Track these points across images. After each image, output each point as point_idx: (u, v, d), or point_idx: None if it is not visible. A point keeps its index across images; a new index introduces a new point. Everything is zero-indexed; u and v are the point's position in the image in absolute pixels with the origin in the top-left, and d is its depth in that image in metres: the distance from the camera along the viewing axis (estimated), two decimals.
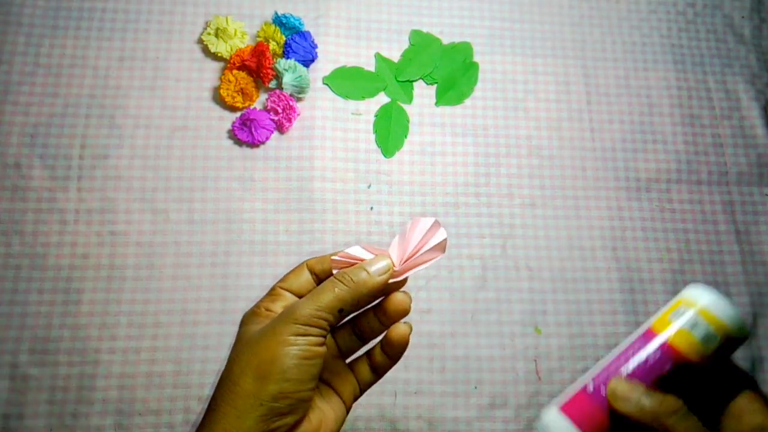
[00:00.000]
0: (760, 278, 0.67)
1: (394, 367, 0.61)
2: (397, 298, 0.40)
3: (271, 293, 0.40)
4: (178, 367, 0.59)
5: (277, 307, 0.39)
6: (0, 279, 0.60)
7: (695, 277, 0.67)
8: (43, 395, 0.57)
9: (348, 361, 0.42)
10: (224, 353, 0.59)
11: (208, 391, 0.58)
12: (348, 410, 0.41)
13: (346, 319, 0.41)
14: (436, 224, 0.39)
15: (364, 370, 0.41)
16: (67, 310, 0.59)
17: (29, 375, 0.57)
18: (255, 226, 0.64)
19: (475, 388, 0.61)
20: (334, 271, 0.38)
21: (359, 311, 0.41)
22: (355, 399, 0.41)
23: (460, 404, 0.60)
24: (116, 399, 0.57)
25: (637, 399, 0.34)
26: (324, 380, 0.40)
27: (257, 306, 0.39)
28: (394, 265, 0.38)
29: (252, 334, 0.37)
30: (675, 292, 0.66)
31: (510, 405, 0.60)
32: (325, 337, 0.36)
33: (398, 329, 0.40)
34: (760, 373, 0.64)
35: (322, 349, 0.36)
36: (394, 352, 0.41)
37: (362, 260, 0.38)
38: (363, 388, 0.42)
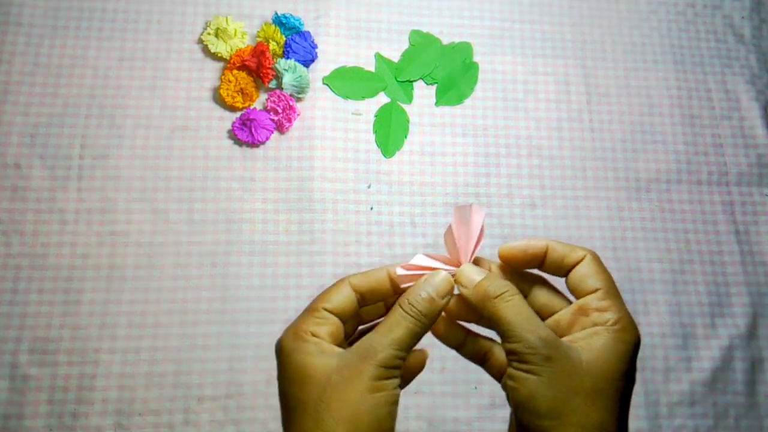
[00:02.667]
0: (760, 278, 0.67)
1: None
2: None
3: (313, 314, 0.36)
4: (178, 367, 0.59)
5: (323, 332, 0.36)
6: (0, 279, 0.60)
7: (695, 277, 0.67)
8: (43, 395, 0.57)
9: None
10: (224, 353, 0.59)
11: (207, 391, 0.58)
12: None
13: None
14: (475, 208, 0.37)
15: None
16: (67, 310, 0.59)
17: (29, 375, 0.57)
18: (255, 226, 0.63)
19: (475, 388, 0.61)
20: (402, 286, 0.36)
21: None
22: None
23: (460, 404, 0.60)
24: (116, 399, 0.57)
25: (473, 282, 0.36)
26: None
27: (298, 328, 0.36)
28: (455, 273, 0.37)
29: (327, 376, 0.34)
30: (675, 293, 0.66)
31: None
32: (400, 376, 0.35)
33: (416, 355, 0.39)
34: (760, 373, 0.64)
35: (400, 390, 0.34)
36: (409, 378, 0.40)
37: (431, 269, 0.36)
38: None
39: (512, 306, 0.34)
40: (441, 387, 0.60)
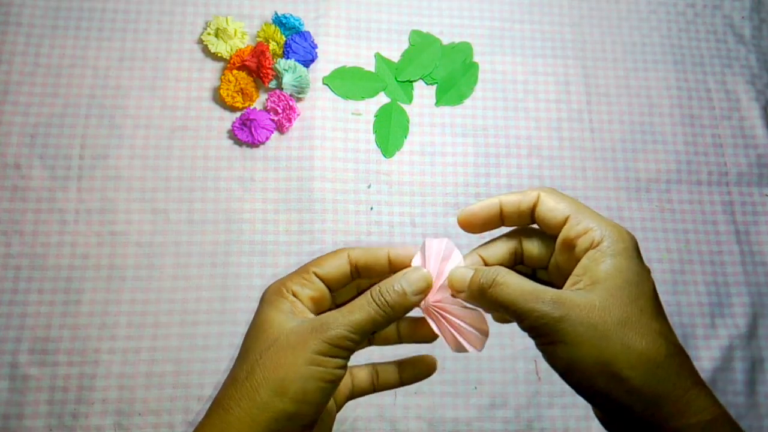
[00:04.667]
0: (760, 278, 0.67)
1: None
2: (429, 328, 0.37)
3: (303, 275, 0.37)
4: (178, 367, 0.59)
5: (305, 295, 0.36)
6: (0, 279, 0.60)
7: (695, 277, 0.67)
8: (43, 395, 0.57)
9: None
10: (224, 353, 0.59)
11: (207, 391, 0.58)
12: (338, 409, 0.40)
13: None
14: (450, 246, 0.36)
15: (364, 379, 0.40)
16: (67, 310, 0.59)
17: (29, 375, 0.57)
18: (255, 226, 0.63)
19: (475, 388, 0.61)
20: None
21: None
22: (347, 400, 0.40)
23: (460, 404, 0.60)
24: (116, 399, 0.57)
25: (465, 283, 0.35)
26: None
27: (284, 284, 0.37)
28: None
29: (277, 336, 0.34)
30: (675, 293, 0.66)
31: (510, 405, 0.60)
32: (348, 358, 0.34)
33: (427, 361, 0.40)
34: (760, 373, 0.64)
35: (343, 372, 0.34)
36: (413, 380, 0.40)
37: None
38: (356, 395, 0.40)
39: (507, 287, 0.33)
40: (441, 387, 0.60)
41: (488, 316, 0.37)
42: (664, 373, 0.31)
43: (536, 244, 0.37)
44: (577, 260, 0.34)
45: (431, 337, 0.38)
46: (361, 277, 0.38)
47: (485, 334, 0.36)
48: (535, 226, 0.37)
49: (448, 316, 0.36)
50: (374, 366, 0.40)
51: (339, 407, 0.40)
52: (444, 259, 0.36)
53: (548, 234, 0.36)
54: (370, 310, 0.34)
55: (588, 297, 0.32)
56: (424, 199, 0.66)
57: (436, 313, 0.36)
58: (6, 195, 0.62)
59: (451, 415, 0.60)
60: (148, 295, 0.61)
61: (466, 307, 0.36)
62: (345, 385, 0.39)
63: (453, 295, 0.36)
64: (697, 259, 0.67)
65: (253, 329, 0.36)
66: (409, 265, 0.36)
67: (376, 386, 0.40)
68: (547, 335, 0.32)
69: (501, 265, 0.36)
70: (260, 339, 0.35)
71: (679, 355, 0.31)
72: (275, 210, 0.64)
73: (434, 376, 0.60)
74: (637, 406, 0.30)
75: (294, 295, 0.36)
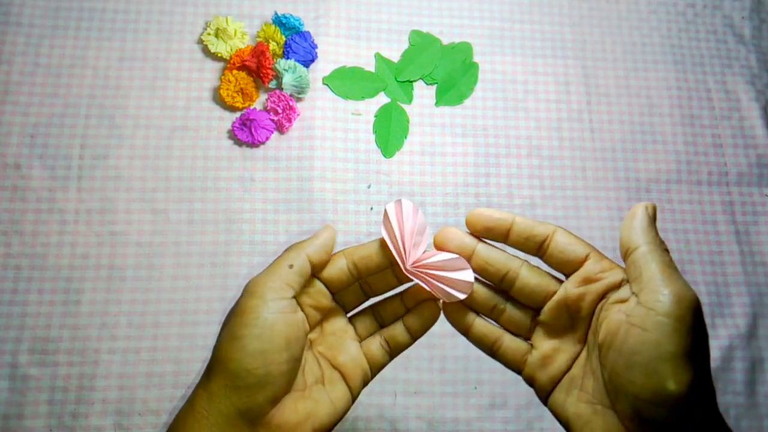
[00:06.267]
0: (760, 278, 0.67)
1: (394, 367, 0.61)
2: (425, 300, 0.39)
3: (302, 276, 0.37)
4: (178, 367, 0.59)
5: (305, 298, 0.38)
6: (0, 279, 0.60)
7: (695, 277, 0.67)
8: (43, 395, 0.57)
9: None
10: None
11: None
12: (354, 398, 0.39)
13: (368, 304, 0.41)
14: (415, 209, 0.38)
15: (378, 351, 0.40)
16: (67, 310, 0.59)
17: (29, 375, 0.57)
18: (255, 226, 0.63)
19: (475, 388, 0.61)
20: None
21: (382, 297, 0.40)
22: (365, 384, 0.39)
23: (460, 404, 0.60)
24: (116, 399, 0.57)
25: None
26: (335, 365, 0.39)
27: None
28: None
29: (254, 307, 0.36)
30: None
31: (510, 405, 0.60)
32: (293, 300, 0.36)
33: (432, 307, 0.39)
34: (760, 373, 0.64)
35: (297, 315, 0.36)
36: (421, 329, 0.40)
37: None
38: (374, 372, 0.40)
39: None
40: (441, 387, 0.60)
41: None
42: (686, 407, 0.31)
43: (535, 279, 0.37)
44: (597, 294, 0.35)
45: (434, 319, 0.39)
46: (362, 276, 0.39)
47: (470, 278, 0.38)
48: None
49: (431, 271, 0.37)
50: (381, 335, 0.40)
51: (355, 396, 0.39)
52: (406, 219, 0.38)
53: (557, 269, 0.37)
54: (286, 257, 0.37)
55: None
56: (424, 199, 0.66)
57: (419, 273, 0.38)
58: (6, 195, 0.62)
59: (451, 415, 0.60)
60: (148, 295, 0.61)
61: (445, 260, 0.37)
62: (361, 368, 0.39)
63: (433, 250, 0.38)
64: (697, 259, 0.67)
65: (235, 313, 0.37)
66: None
67: (391, 354, 0.40)
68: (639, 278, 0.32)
69: (484, 279, 0.39)
70: (240, 316, 0.36)
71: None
72: (275, 210, 0.64)
73: (434, 376, 0.61)
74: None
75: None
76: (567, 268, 0.36)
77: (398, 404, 0.59)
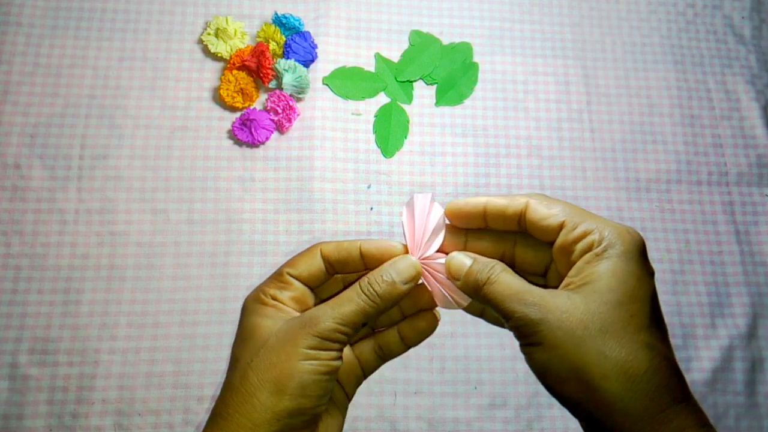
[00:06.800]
0: (760, 278, 0.67)
1: (394, 367, 0.61)
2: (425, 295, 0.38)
3: (278, 279, 0.36)
4: (178, 367, 0.59)
5: (285, 297, 0.36)
6: (0, 279, 0.60)
7: (695, 277, 0.67)
8: (43, 395, 0.57)
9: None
10: (224, 353, 0.59)
11: (208, 391, 0.58)
12: (349, 399, 0.39)
13: None
14: (432, 200, 0.37)
15: (370, 356, 0.39)
16: (67, 310, 0.59)
17: (29, 375, 0.57)
18: (255, 226, 0.63)
19: (475, 388, 0.61)
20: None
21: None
22: (358, 386, 0.39)
23: (460, 404, 0.60)
24: (116, 399, 0.57)
25: (463, 271, 0.35)
26: None
27: (262, 291, 0.36)
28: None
29: (266, 338, 0.34)
30: (675, 293, 0.66)
31: (510, 405, 0.60)
32: (342, 350, 0.34)
33: (429, 319, 0.38)
34: (760, 373, 0.64)
35: (340, 363, 0.34)
36: (416, 339, 0.38)
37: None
38: (367, 374, 0.39)
39: (498, 284, 0.32)
40: (441, 387, 0.60)
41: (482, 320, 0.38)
42: (641, 387, 0.29)
43: (530, 250, 0.36)
44: (574, 264, 0.33)
45: (431, 330, 0.38)
46: (336, 273, 0.38)
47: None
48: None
49: (435, 273, 0.37)
50: (375, 340, 0.39)
51: (350, 396, 0.39)
52: (428, 213, 0.37)
53: (544, 242, 0.35)
54: (359, 301, 0.34)
55: (572, 300, 0.31)
56: None
57: (424, 269, 0.37)
58: (6, 195, 0.62)
59: (451, 415, 0.60)
60: (148, 295, 0.61)
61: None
62: (353, 371, 0.38)
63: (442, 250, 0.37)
64: (697, 259, 0.67)
65: (240, 338, 0.35)
66: (384, 257, 0.36)
67: (384, 359, 0.39)
68: (526, 336, 0.31)
69: None
70: (249, 344, 0.34)
71: (665, 370, 0.30)
72: (275, 210, 0.64)
73: (434, 376, 0.61)
74: (606, 420, 0.29)
75: (274, 299, 0.36)
76: (550, 237, 0.34)
77: (398, 404, 0.59)
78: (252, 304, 0.36)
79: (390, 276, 0.35)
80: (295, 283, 0.36)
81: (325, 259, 0.37)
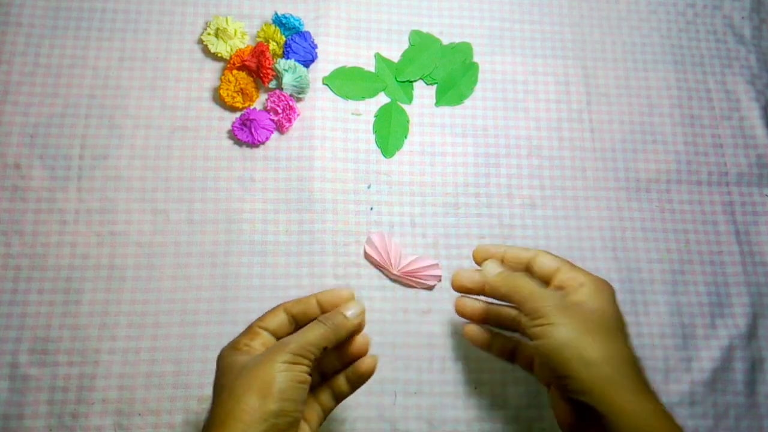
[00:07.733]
0: (760, 278, 0.67)
1: (394, 367, 0.61)
2: (359, 343, 0.48)
3: (250, 331, 0.45)
4: (178, 367, 0.59)
5: (257, 344, 0.44)
6: (0, 279, 0.60)
7: (695, 277, 0.67)
8: (43, 395, 0.57)
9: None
10: None
11: (208, 391, 0.58)
12: None
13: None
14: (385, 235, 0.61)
15: (327, 400, 0.47)
16: (67, 310, 0.59)
17: (29, 375, 0.57)
18: (255, 226, 0.64)
19: (475, 388, 0.61)
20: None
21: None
22: (320, 424, 0.47)
23: (460, 404, 0.60)
24: (116, 399, 0.57)
25: (496, 272, 0.50)
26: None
27: (237, 342, 0.44)
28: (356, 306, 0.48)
29: (247, 362, 0.42)
30: (675, 293, 0.66)
31: (510, 405, 0.60)
32: (311, 368, 0.42)
33: (366, 362, 0.48)
34: (760, 373, 0.64)
35: (310, 378, 0.42)
36: (359, 382, 0.48)
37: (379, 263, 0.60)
38: (326, 414, 0.47)
39: (526, 282, 0.47)
40: (441, 387, 0.60)
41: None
42: (623, 370, 0.42)
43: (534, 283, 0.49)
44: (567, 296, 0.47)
45: (369, 373, 0.48)
46: (299, 325, 0.46)
47: (438, 272, 0.62)
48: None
49: (413, 272, 0.61)
50: (330, 386, 0.48)
51: None
52: (388, 243, 0.61)
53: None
54: (320, 329, 0.44)
55: (580, 304, 0.45)
56: (424, 199, 0.66)
57: (406, 277, 0.61)
58: (6, 195, 0.62)
59: (451, 415, 0.60)
60: (148, 295, 0.61)
61: (421, 265, 0.61)
62: (316, 413, 0.47)
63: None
64: (697, 259, 0.67)
65: (220, 374, 0.43)
66: (337, 302, 0.47)
67: (338, 400, 0.48)
68: (546, 317, 0.43)
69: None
70: (231, 373, 0.42)
71: (628, 365, 0.43)
72: (275, 210, 0.64)
73: (434, 376, 0.61)
74: (596, 393, 0.41)
75: (246, 346, 0.44)
76: (547, 279, 0.48)
77: (398, 404, 0.59)
78: (228, 351, 0.44)
79: (342, 312, 0.46)
80: (264, 334, 0.45)
81: (288, 313, 0.46)
